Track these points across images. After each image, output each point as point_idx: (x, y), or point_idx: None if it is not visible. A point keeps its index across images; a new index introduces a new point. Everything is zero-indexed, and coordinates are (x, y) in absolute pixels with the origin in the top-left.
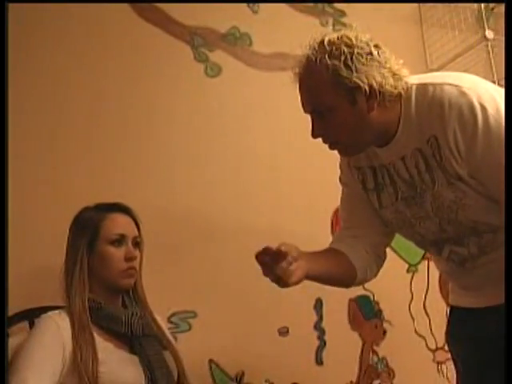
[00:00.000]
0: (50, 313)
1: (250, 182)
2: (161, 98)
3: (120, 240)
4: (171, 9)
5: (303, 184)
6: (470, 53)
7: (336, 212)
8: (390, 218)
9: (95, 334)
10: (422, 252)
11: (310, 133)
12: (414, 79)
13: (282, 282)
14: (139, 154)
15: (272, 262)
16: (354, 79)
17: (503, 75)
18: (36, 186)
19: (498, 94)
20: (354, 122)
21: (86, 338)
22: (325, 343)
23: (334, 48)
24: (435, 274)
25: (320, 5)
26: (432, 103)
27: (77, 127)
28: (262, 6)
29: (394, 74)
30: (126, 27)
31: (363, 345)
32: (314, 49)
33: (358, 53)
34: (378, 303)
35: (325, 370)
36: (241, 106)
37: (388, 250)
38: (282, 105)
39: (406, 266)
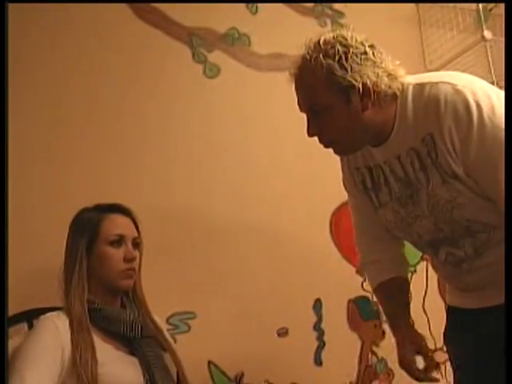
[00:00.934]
0: (48, 314)
1: (249, 183)
2: (160, 99)
3: (119, 241)
4: (170, 9)
5: (302, 184)
6: (469, 53)
7: (335, 212)
8: (389, 217)
9: (94, 336)
10: (421, 253)
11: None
12: (411, 79)
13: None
14: (138, 155)
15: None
16: (349, 78)
17: (502, 76)
18: (35, 187)
19: (494, 92)
20: (348, 121)
21: (84, 339)
22: (324, 344)
23: (329, 47)
24: (434, 274)
25: (319, 6)
26: (428, 101)
27: (76, 128)
28: (261, 6)
29: (389, 74)
30: (125, 28)
31: (362, 345)
32: (310, 48)
33: (352, 52)
34: (376, 304)
35: (324, 370)
36: (240, 107)
37: None
38: (281, 105)
39: None
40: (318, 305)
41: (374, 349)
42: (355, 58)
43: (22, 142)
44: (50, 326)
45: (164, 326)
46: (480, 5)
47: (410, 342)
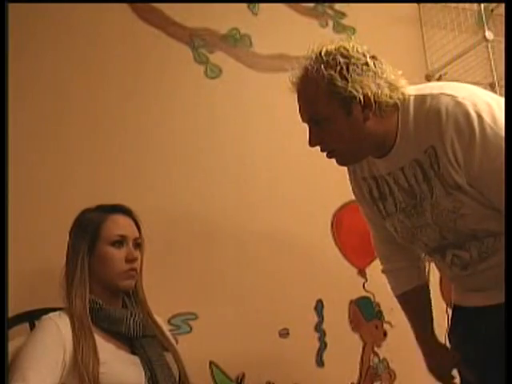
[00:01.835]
0: (50, 314)
1: (250, 184)
2: (161, 100)
3: (121, 241)
4: (171, 10)
5: (304, 185)
6: (470, 54)
7: (336, 213)
8: (396, 227)
9: (96, 335)
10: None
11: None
12: (412, 90)
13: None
14: (139, 156)
15: None
16: (350, 89)
17: (503, 76)
18: (37, 188)
19: (495, 102)
20: (349, 132)
21: (86, 338)
22: (325, 345)
23: (330, 58)
24: (436, 274)
25: (320, 6)
26: (429, 113)
27: (77, 128)
28: (262, 7)
29: (390, 85)
30: (126, 29)
31: (364, 346)
32: (312, 59)
33: (353, 63)
34: (378, 304)
35: (325, 371)
36: (241, 107)
37: None
38: (282, 106)
39: None
40: (319, 306)
41: (376, 349)
42: (356, 68)
43: (23, 143)
44: (52, 326)
45: (166, 327)
46: (482, 5)
47: (449, 356)
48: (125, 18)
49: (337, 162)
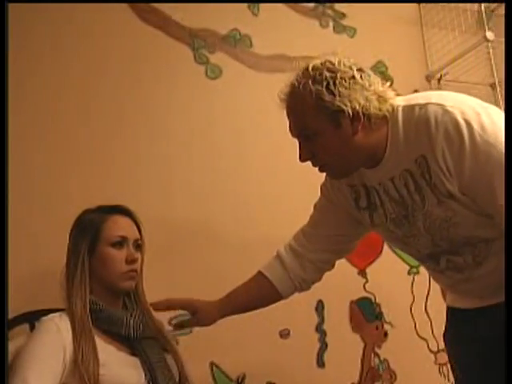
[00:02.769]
0: (50, 315)
1: (250, 184)
2: (161, 100)
3: (121, 242)
4: (171, 11)
5: (304, 186)
6: (471, 54)
7: None
8: (384, 236)
9: (96, 337)
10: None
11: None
12: (400, 101)
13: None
14: (139, 157)
15: None
16: (337, 103)
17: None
18: (37, 188)
19: (483, 110)
20: (339, 145)
21: (86, 340)
22: (326, 345)
23: (317, 73)
24: None
25: (320, 7)
26: (418, 123)
27: (76, 129)
28: (263, 7)
29: (378, 97)
30: (126, 29)
31: (365, 347)
32: (298, 75)
33: (340, 77)
34: (379, 305)
35: (326, 372)
36: (241, 108)
37: (389, 252)
38: (283, 107)
39: (407, 267)
40: (320, 306)
41: (377, 350)
42: (343, 82)
43: (23, 144)
44: (52, 327)
45: (166, 328)
46: (482, 5)
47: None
48: (125, 19)
49: (329, 175)
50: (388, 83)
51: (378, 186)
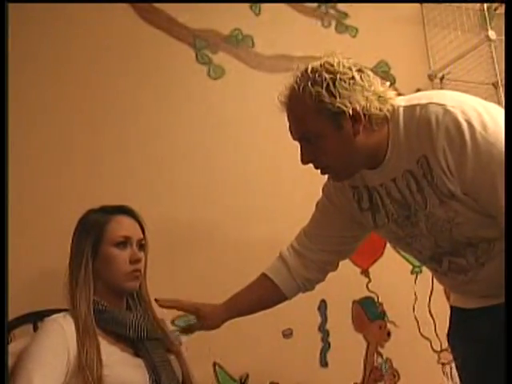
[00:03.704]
0: (54, 316)
1: (253, 185)
2: (164, 101)
3: (125, 242)
4: (174, 11)
5: (306, 186)
6: (473, 53)
7: None
8: (386, 237)
9: (100, 337)
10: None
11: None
12: (401, 101)
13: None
14: (141, 157)
15: None
16: (338, 104)
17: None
18: (39, 189)
19: (484, 109)
20: (341, 147)
21: (90, 340)
22: (329, 345)
23: (316, 75)
24: None
25: (322, 6)
26: (419, 123)
27: (78, 130)
28: (265, 7)
29: (379, 97)
30: (129, 29)
31: (368, 346)
32: (298, 77)
33: (340, 78)
34: (382, 304)
35: (329, 371)
36: (244, 108)
37: (392, 251)
38: None
39: (410, 267)
40: (322, 306)
41: (380, 349)
42: (343, 83)
43: (25, 144)
44: (56, 328)
45: (169, 328)
46: (485, 5)
47: None
48: (127, 19)
49: (331, 178)
50: (388, 83)
51: (380, 187)
